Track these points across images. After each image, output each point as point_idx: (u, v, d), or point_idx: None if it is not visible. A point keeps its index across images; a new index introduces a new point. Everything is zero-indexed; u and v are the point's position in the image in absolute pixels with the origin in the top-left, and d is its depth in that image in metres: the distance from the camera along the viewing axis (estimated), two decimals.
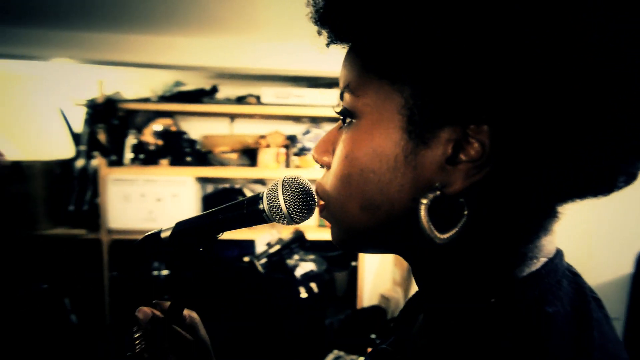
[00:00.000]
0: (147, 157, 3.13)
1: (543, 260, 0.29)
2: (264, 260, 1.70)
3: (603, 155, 0.24)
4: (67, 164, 3.17)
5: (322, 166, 0.34)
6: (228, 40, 2.68)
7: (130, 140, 3.15)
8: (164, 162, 3.12)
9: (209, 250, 0.47)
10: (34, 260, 2.74)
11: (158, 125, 3.36)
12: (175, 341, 0.45)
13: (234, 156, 3.26)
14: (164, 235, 0.46)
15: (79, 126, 3.19)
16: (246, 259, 1.86)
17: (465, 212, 0.26)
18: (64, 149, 3.41)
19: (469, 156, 0.25)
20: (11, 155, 3.30)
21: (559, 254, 0.30)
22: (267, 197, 0.41)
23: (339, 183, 0.31)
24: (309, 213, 0.42)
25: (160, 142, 3.20)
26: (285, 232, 2.15)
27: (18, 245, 2.76)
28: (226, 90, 3.45)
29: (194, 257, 0.46)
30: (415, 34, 0.24)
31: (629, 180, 0.29)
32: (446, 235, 0.26)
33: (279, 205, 0.40)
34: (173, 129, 3.43)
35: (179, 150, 3.14)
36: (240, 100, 3.22)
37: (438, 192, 0.26)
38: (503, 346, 0.26)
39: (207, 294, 2.25)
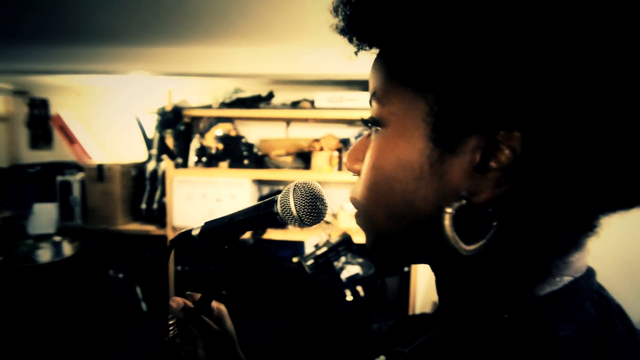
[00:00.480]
0: (208, 160, 3.35)
1: (567, 279, 0.27)
2: (310, 262, 1.74)
3: None
4: (141, 166, 3.51)
5: (355, 174, 0.34)
6: (283, 48, 2.79)
7: (194, 144, 3.39)
8: (224, 164, 3.32)
9: (232, 248, 0.50)
10: (113, 252, 3.05)
11: (219, 130, 3.58)
12: (202, 329, 0.50)
13: (288, 159, 3.36)
14: (194, 233, 0.51)
15: (151, 132, 3.52)
16: (295, 259, 1.91)
17: (495, 224, 0.25)
18: (139, 153, 3.78)
19: (499, 164, 0.23)
20: (96, 159, 3.73)
21: (588, 273, 0.28)
22: (280, 201, 0.44)
23: (366, 192, 0.31)
24: (319, 217, 0.43)
25: (220, 145, 3.41)
26: (334, 234, 2.18)
27: (101, 238, 3.09)
28: (282, 96, 3.58)
29: (219, 254, 0.50)
30: (439, 37, 0.24)
31: None
32: (473, 247, 0.25)
33: (290, 209, 0.43)
34: (232, 133, 3.63)
35: (237, 153, 3.32)
36: (295, 105, 3.31)
37: (464, 201, 0.25)
38: None
39: (256, 292, 2.34)
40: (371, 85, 0.30)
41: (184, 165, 3.34)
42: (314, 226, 0.44)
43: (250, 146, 3.38)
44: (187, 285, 3.35)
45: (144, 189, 3.43)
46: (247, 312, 2.59)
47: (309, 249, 2.18)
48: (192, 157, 3.37)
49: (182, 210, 3.12)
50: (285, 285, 1.89)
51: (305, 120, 3.43)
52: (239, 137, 3.41)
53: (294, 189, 0.42)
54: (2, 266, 2.08)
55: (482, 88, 0.23)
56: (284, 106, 3.34)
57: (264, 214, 0.45)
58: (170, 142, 3.32)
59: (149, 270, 3.50)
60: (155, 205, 3.36)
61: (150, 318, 3.26)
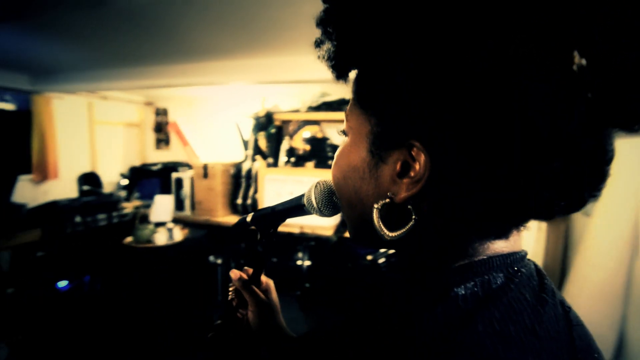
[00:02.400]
0: (296, 160, 3.59)
1: (481, 258, 0.33)
2: (382, 260, 1.78)
3: (519, 192, 0.29)
4: (238, 165, 3.91)
5: None
6: None
7: (284, 145, 3.66)
8: (310, 164, 3.52)
9: (276, 232, 0.61)
10: (213, 242, 3.45)
11: (306, 132, 3.80)
12: (252, 297, 0.61)
13: None
14: (248, 219, 0.62)
15: (247, 135, 3.90)
16: (369, 257, 1.97)
17: (414, 217, 0.32)
18: (237, 154, 4.22)
19: (412, 173, 0.31)
20: (203, 159, 4.28)
21: (511, 255, 0.33)
22: (306, 195, 0.53)
23: (333, 182, 0.42)
24: (335, 209, 0.51)
25: (307, 147, 3.62)
26: None
27: (204, 228, 3.54)
28: None
29: (265, 236, 0.60)
30: (375, 82, 0.32)
31: (570, 209, 0.31)
32: (394, 234, 0.33)
33: (311, 201, 0.51)
34: (319, 135, 3.81)
35: (323, 154, 3.49)
36: None
37: (387, 200, 0.33)
38: (403, 311, 0.33)
39: (336, 286, 2.44)
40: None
41: (275, 165, 3.63)
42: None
43: (335, 147, 3.52)
44: (276, 274, 3.65)
45: (240, 185, 3.82)
46: (327, 304, 2.72)
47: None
48: (282, 158, 3.65)
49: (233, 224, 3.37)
50: (361, 281, 1.96)
51: None
52: (324, 139, 3.58)
53: (316, 185, 0.51)
54: (129, 245, 2.57)
55: (400, 121, 0.31)
56: None
57: (295, 205, 0.55)
58: (263, 143, 3.64)
59: (243, 258, 3.87)
60: (249, 201, 3.72)
61: None
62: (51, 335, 2.51)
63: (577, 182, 0.29)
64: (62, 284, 2.61)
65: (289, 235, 3.69)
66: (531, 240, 2.00)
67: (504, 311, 0.29)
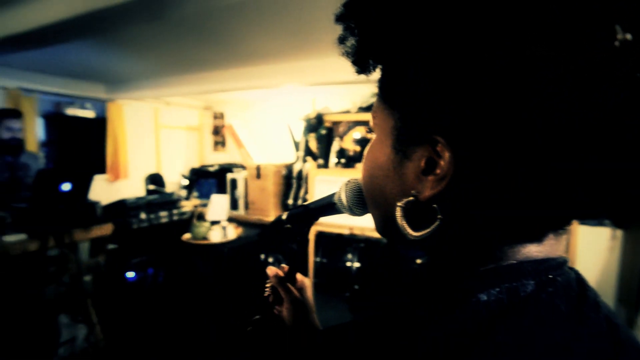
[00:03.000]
0: (347, 161, 3.58)
1: (511, 262, 0.30)
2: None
3: (538, 203, 0.27)
4: (289, 166, 3.99)
5: None
6: None
7: (334, 146, 3.67)
8: (360, 165, 3.50)
9: (309, 230, 0.61)
10: (265, 241, 3.55)
11: (357, 133, 3.77)
12: (287, 294, 0.61)
13: None
14: (283, 217, 0.63)
15: (298, 137, 3.98)
16: (418, 260, 1.89)
17: (439, 217, 0.30)
18: (288, 155, 4.32)
19: (437, 170, 0.29)
20: (256, 160, 4.43)
21: (546, 261, 0.30)
22: (337, 193, 0.52)
23: (362, 180, 0.40)
24: (365, 208, 0.49)
25: (358, 148, 3.60)
26: None
27: (257, 227, 3.66)
28: None
29: (300, 234, 0.60)
30: (401, 79, 0.31)
31: (628, 211, 0.27)
32: (419, 234, 0.31)
33: (342, 200, 0.50)
34: (369, 136, 3.78)
35: None
36: None
37: (412, 198, 0.31)
38: (426, 315, 0.31)
39: (384, 288, 2.40)
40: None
41: (325, 166, 3.65)
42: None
43: None
44: (325, 275, 3.66)
45: (291, 186, 3.90)
46: (376, 307, 2.68)
47: None
48: (332, 159, 3.67)
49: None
50: (407, 285, 1.90)
51: None
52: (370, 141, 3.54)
53: (346, 183, 0.50)
54: (187, 241, 2.73)
55: (423, 116, 0.29)
56: None
57: (327, 203, 0.54)
58: (313, 145, 3.69)
59: (294, 259, 3.94)
60: (299, 201, 3.78)
61: None
62: (122, 320, 2.74)
63: (624, 179, 0.25)
64: (130, 274, 2.84)
65: (339, 236, 3.70)
66: (602, 248, 1.80)
67: (531, 322, 0.26)
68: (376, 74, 0.36)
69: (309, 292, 0.65)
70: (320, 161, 3.65)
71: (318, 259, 3.58)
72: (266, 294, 0.65)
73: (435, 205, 0.30)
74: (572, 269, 0.32)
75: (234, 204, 4.06)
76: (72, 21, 1.55)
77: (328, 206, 0.54)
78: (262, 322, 0.66)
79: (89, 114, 3.92)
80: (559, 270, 0.30)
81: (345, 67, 0.38)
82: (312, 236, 3.64)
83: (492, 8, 0.25)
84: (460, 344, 0.26)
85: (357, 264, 3.38)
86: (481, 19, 0.25)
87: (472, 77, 0.25)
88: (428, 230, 0.31)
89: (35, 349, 2.40)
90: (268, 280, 0.66)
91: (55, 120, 3.64)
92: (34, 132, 3.35)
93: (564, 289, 0.28)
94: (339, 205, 0.52)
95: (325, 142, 3.69)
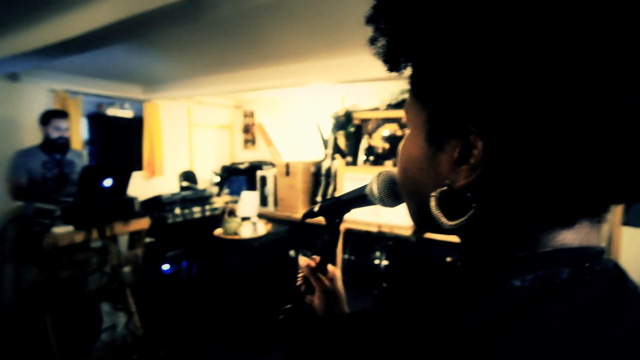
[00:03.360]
0: (375, 158, 3.57)
1: (545, 249, 0.30)
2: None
3: (567, 187, 0.28)
4: (318, 164, 4.03)
5: None
6: None
7: (363, 144, 3.67)
8: (388, 163, 3.48)
9: (341, 222, 0.63)
10: (294, 237, 3.60)
11: (385, 131, 3.75)
12: (319, 283, 0.64)
13: None
14: (315, 209, 0.65)
15: (327, 134, 4.00)
16: (448, 259, 1.88)
17: (474, 205, 0.31)
18: (317, 153, 4.36)
19: (470, 160, 0.30)
20: (285, 158, 4.49)
21: (583, 249, 0.30)
22: (368, 185, 0.53)
23: (397, 175, 0.42)
24: (396, 199, 0.51)
25: (386, 145, 3.58)
26: None
27: (286, 224, 3.72)
28: None
29: (331, 226, 0.63)
30: (433, 78, 0.32)
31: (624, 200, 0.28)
32: (453, 223, 0.32)
33: (373, 191, 0.52)
34: (398, 133, 3.74)
35: None
36: None
37: (445, 187, 0.32)
38: (459, 299, 0.31)
39: (411, 286, 2.39)
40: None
41: (354, 163, 3.66)
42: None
43: None
44: (353, 273, 3.68)
45: (319, 183, 3.93)
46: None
47: None
48: (361, 156, 3.67)
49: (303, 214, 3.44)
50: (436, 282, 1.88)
51: None
52: (404, 137, 3.51)
53: (378, 175, 0.52)
54: (219, 236, 2.83)
55: (456, 109, 0.30)
56: None
57: (358, 195, 0.56)
58: (342, 142, 3.70)
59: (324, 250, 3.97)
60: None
61: None
62: (158, 309, 2.88)
63: None
64: (166, 267, 2.97)
65: (367, 234, 3.70)
66: None
67: (565, 309, 0.26)
68: (406, 71, 0.38)
69: (340, 283, 0.68)
70: (349, 159, 3.66)
71: (346, 257, 3.60)
72: (298, 283, 0.68)
73: (469, 194, 0.31)
74: (610, 259, 0.32)
75: (263, 201, 4.14)
76: (116, 26, 1.65)
77: (359, 198, 0.56)
78: (293, 311, 0.68)
79: (128, 113, 4.11)
80: (596, 259, 0.30)
81: (374, 64, 0.39)
82: (340, 233, 3.66)
83: (519, 8, 0.26)
84: (489, 331, 0.26)
85: (385, 262, 3.37)
86: (508, 19, 0.26)
87: (501, 72, 0.26)
88: (463, 219, 0.32)
89: (81, 333, 2.56)
90: (300, 271, 0.69)
91: (97, 120, 3.85)
92: (79, 131, 3.56)
93: (601, 278, 0.29)
94: (370, 196, 0.53)
95: (354, 140, 3.70)
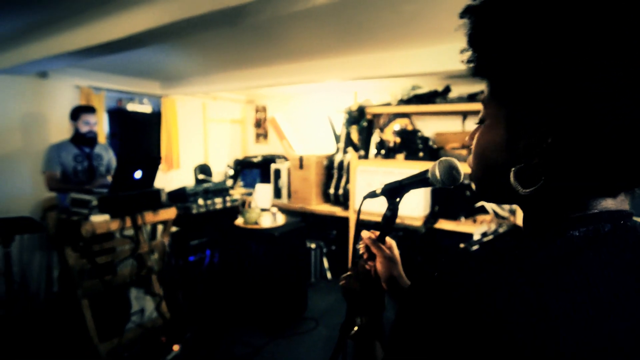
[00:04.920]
0: (386, 152, 3.70)
1: (594, 211, 0.43)
2: (475, 247, 1.83)
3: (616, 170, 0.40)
4: (331, 157, 4.16)
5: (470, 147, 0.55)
6: (458, 44, 2.83)
7: (375, 138, 3.80)
8: (400, 156, 3.61)
9: (400, 201, 0.77)
10: (309, 226, 3.74)
11: (397, 125, 3.88)
12: (379, 251, 0.79)
13: (464, 152, 3.38)
14: (377, 191, 0.79)
15: (339, 129, 4.13)
16: (462, 245, 2.02)
17: (543, 178, 0.42)
18: (330, 147, 4.49)
19: (541, 146, 0.41)
20: (298, 151, 4.62)
21: (619, 212, 0.43)
22: (430, 170, 0.67)
23: (474, 158, 0.52)
24: (454, 180, 0.65)
25: (398, 139, 3.71)
26: (503, 227, 2.16)
27: (300, 215, 3.86)
28: (458, 89, 3.60)
29: (392, 204, 0.77)
30: (511, 87, 0.44)
31: None
32: (527, 190, 0.43)
33: (435, 174, 0.66)
34: (409, 128, 3.87)
35: (413, 146, 3.54)
36: (472, 98, 3.29)
37: (522, 165, 0.43)
38: (532, 242, 0.43)
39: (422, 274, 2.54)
40: (483, 98, 0.51)
41: (366, 157, 3.79)
42: (453, 185, 0.67)
43: (425, 140, 3.55)
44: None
45: (332, 176, 4.07)
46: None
47: (476, 238, 2.24)
48: (373, 150, 3.80)
49: (363, 195, 3.56)
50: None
51: None
52: (415, 131, 3.63)
53: (439, 162, 0.66)
54: (240, 226, 2.98)
55: (532, 110, 0.42)
56: (460, 100, 3.36)
57: (420, 178, 0.70)
58: (354, 136, 3.83)
59: (335, 245, 4.12)
60: (341, 191, 3.95)
61: (334, 285, 3.85)
62: (183, 295, 3.03)
63: None
64: (190, 255, 3.12)
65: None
66: None
67: (610, 248, 0.39)
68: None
69: (396, 251, 0.82)
70: (361, 152, 3.79)
71: (357, 246, 3.74)
72: (361, 252, 0.83)
73: (540, 170, 0.43)
74: (637, 220, 0.44)
75: (277, 193, 4.28)
76: (159, 30, 1.78)
77: (420, 182, 0.71)
78: (353, 276, 0.83)
79: (147, 108, 4.25)
80: (628, 219, 0.43)
81: (386, 62, 0.51)
82: (352, 224, 3.80)
83: (579, 47, 0.38)
84: (558, 261, 0.39)
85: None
86: (568, 45, 0.39)
87: (567, 85, 0.39)
88: (534, 187, 0.43)
89: (113, 315, 2.72)
90: (361, 241, 0.83)
91: (117, 114, 3.99)
92: (103, 126, 3.70)
93: (632, 230, 0.42)
94: (432, 179, 0.68)
95: (366, 134, 3.82)
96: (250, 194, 4.02)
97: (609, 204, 0.44)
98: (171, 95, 4.39)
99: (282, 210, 3.80)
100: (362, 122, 3.75)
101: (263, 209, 3.31)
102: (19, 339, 2.65)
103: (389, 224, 0.78)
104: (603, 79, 0.38)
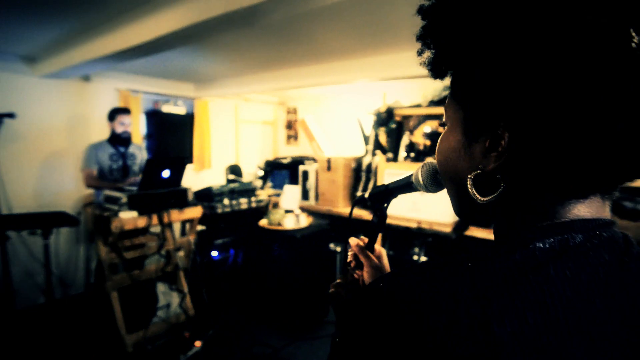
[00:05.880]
0: (416, 155, 3.58)
1: (563, 220, 0.37)
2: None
3: (580, 169, 0.35)
4: (359, 160, 4.10)
5: None
6: None
7: (404, 140, 3.69)
8: (429, 159, 3.47)
9: (388, 207, 0.71)
10: (334, 229, 3.71)
11: (427, 127, 3.74)
12: (367, 260, 0.73)
13: None
14: (366, 195, 0.74)
15: (368, 131, 4.06)
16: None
17: (502, 185, 0.38)
18: (358, 149, 4.42)
19: (498, 149, 0.38)
20: (327, 153, 4.60)
21: (595, 220, 0.37)
22: (414, 174, 0.62)
23: (438, 167, 0.49)
24: (438, 186, 0.59)
25: (428, 142, 3.58)
26: None
27: (326, 217, 3.83)
28: None
29: (379, 210, 0.71)
30: (468, 86, 0.40)
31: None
32: (486, 199, 0.39)
33: (418, 179, 0.60)
34: (440, 130, 3.73)
35: None
36: None
37: (479, 171, 0.39)
38: (490, 256, 0.37)
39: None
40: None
41: (394, 159, 3.69)
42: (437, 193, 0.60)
43: None
44: (391, 266, 3.72)
45: (360, 179, 4.00)
46: None
47: None
48: (402, 152, 3.69)
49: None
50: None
51: None
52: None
53: (422, 166, 0.60)
54: (264, 226, 3.00)
55: (487, 109, 0.38)
56: None
57: (404, 183, 0.64)
58: (383, 139, 3.75)
59: (372, 231, 4.04)
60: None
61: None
62: (207, 292, 3.10)
63: None
64: (214, 253, 3.19)
65: (407, 229, 3.72)
66: None
67: (577, 263, 0.33)
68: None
69: (386, 260, 0.77)
70: (390, 155, 3.70)
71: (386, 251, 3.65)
72: (348, 260, 0.78)
73: (498, 176, 0.39)
74: (622, 232, 0.38)
75: (305, 195, 4.28)
76: (182, 32, 1.82)
77: (405, 185, 0.65)
78: (342, 284, 0.79)
79: (181, 110, 4.40)
80: (606, 228, 0.36)
81: (416, 62, 0.47)
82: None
83: (534, 40, 0.33)
84: (518, 275, 0.33)
85: (424, 258, 3.39)
86: (523, 38, 0.34)
87: (522, 83, 0.34)
88: (494, 195, 0.39)
89: (140, 309, 2.83)
90: (349, 249, 0.79)
91: (153, 116, 4.17)
92: (139, 126, 3.88)
93: (609, 243, 0.35)
94: (415, 183, 0.62)
95: (395, 136, 3.72)
96: (278, 195, 4.05)
97: (582, 211, 0.38)
98: (204, 97, 4.52)
99: (309, 212, 3.79)
100: (391, 123, 3.66)
101: (287, 211, 3.31)
102: (56, 326, 2.82)
103: (376, 231, 0.73)
104: (555, 71, 0.32)
